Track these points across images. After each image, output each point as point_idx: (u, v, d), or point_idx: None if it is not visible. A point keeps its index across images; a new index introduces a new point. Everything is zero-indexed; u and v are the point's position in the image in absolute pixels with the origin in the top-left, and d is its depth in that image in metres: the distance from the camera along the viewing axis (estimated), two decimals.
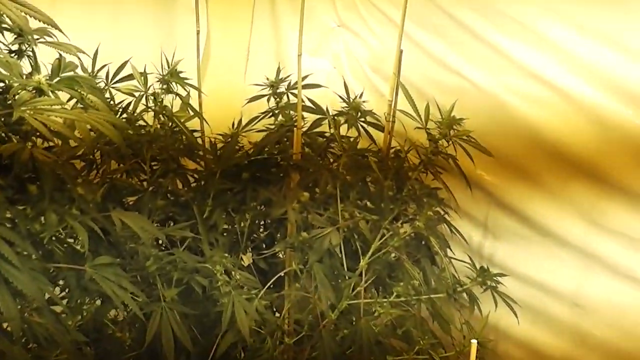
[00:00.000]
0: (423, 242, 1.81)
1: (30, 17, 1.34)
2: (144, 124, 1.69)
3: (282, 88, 1.90)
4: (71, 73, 1.41)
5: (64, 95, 1.38)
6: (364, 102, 1.89)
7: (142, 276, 1.48)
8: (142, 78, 1.66)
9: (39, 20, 1.36)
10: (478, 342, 1.52)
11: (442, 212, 1.85)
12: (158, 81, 1.67)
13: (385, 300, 1.59)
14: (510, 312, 1.82)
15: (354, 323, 1.60)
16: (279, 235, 1.75)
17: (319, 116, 1.87)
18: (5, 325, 1.28)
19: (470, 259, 1.72)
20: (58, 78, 1.38)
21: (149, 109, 1.66)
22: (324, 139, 1.86)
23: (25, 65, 1.43)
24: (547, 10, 1.86)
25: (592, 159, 1.90)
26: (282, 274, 1.60)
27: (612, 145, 1.87)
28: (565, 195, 1.96)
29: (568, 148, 1.90)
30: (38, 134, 1.29)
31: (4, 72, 1.31)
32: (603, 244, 1.94)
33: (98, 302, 1.50)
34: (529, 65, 1.92)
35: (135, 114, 1.67)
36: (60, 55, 1.43)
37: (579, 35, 1.85)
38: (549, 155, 1.95)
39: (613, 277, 1.94)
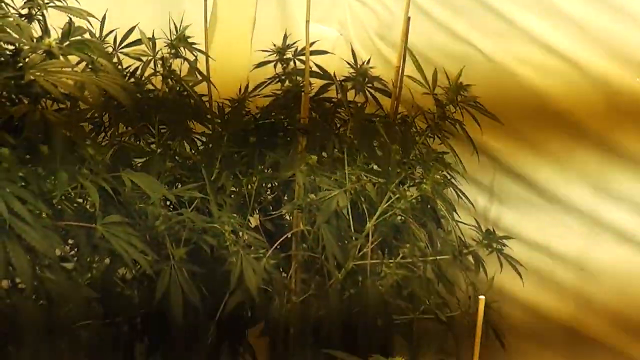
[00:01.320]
0: (429, 206, 1.83)
1: None
2: (152, 88, 1.71)
3: (289, 54, 1.91)
4: (80, 37, 1.43)
5: (73, 60, 1.40)
6: (371, 68, 1.90)
7: (151, 236, 1.50)
8: (150, 43, 1.68)
9: None
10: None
11: (449, 177, 1.87)
12: (166, 46, 1.69)
13: (391, 261, 1.61)
14: (515, 276, 1.83)
15: (360, 283, 1.62)
16: (285, 197, 1.77)
17: (326, 81, 1.88)
18: (17, 280, 1.30)
19: (477, 222, 1.74)
20: (68, 42, 1.40)
21: (157, 73, 1.68)
22: (332, 104, 1.88)
23: (36, 29, 1.45)
24: None
25: (599, 125, 1.91)
26: (289, 234, 1.62)
27: (619, 112, 1.89)
28: (571, 162, 1.98)
29: (575, 115, 1.91)
30: (48, 96, 1.31)
31: (15, 35, 1.33)
32: (609, 210, 1.96)
33: (107, 261, 1.53)
34: (536, 33, 1.92)
35: (143, 79, 1.69)
36: (70, 19, 1.45)
37: (586, 3, 1.86)
38: (556, 122, 1.96)
39: (619, 243, 1.96)
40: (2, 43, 1.32)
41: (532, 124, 2.01)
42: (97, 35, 1.67)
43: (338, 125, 1.87)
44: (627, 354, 1.97)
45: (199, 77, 1.72)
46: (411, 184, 1.77)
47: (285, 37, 1.90)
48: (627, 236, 1.94)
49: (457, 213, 1.88)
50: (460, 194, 1.89)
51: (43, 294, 1.32)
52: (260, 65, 1.92)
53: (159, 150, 1.63)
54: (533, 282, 1.95)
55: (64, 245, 1.39)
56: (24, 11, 1.46)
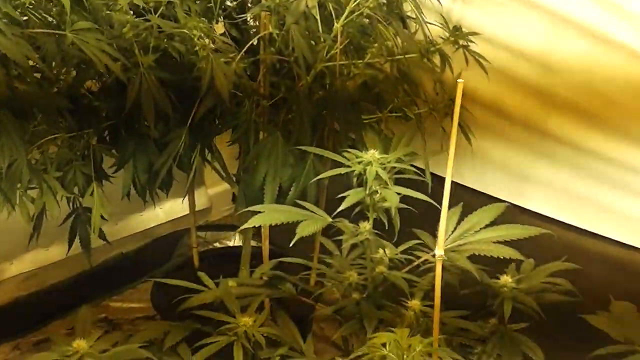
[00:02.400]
0: (396, 12, 1.81)
1: None
2: None
3: None
4: None
5: None
6: None
7: (119, 45, 1.48)
8: None
9: None
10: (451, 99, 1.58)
11: None
12: None
13: (360, 62, 1.62)
14: (479, 75, 1.85)
15: (329, 85, 1.64)
16: (250, 4, 1.74)
17: None
18: None
19: (444, 18, 1.74)
20: None
21: None
22: None
23: None
24: None
25: None
26: (256, 39, 1.61)
27: None
28: None
29: None
30: None
31: None
32: (572, 4, 1.97)
33: (74, 72, 1.52)
34: None
35: None
36: None
37: None
38: None
39: (583, 38, 1.99)
40: None
41: None
42: None
43: None
44: (585, 146, 2.04)
45: None
46: None
47: None
48: (591, 31, 1.97)
49: (423, 14, 1.88)
50: None
51: (16, 105, 1.33)
52: None
53: None
54: (497, 81, 1.98)
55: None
56: None
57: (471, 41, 1.66)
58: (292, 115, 1.64)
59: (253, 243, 1.82)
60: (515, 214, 1.49)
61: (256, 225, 1.33)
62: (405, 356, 1.14)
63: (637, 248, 2.03)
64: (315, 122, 1.64)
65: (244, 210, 1.50)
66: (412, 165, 1.41)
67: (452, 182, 1.22)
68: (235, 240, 2.32)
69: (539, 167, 2.12)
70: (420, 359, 1.15)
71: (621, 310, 1.44)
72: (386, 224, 1.34)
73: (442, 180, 1.25)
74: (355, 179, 1.32)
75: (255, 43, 1.63)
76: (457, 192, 1.30)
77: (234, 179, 1.78)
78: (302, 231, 1.29)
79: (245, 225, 1.32)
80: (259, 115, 1.65)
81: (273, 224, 1.31)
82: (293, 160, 1.63)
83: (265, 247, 1.81)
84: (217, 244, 2.35)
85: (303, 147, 1.50)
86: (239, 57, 1.55)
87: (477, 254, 1.39)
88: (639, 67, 1.92)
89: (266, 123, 1.66)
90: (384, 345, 1.15)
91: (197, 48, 1.48)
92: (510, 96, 2.08)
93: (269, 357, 1.37)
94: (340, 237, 1.38)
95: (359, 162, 1.31)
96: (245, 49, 1.58)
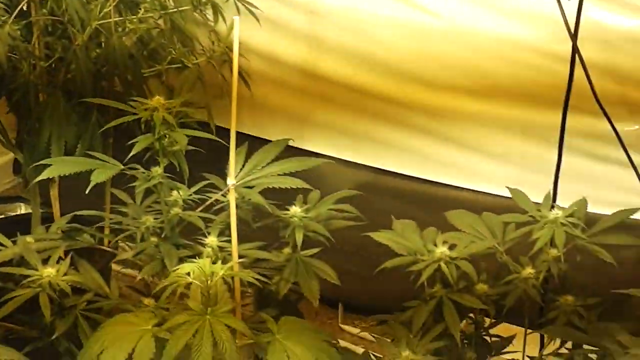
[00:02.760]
0: None
1: None
2: None
3: None
4: None
5: None
6: None
7: None
8: None
9: None
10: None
11: None
12: None
13: (134, 17, 1.66)
14: (251, 26, 1.93)
15: (105, 42, 1.66)
16: None
17: None
18: None
19: None
20: None
21: None
22: None
23: None
24: None
25: None
26: (26, 2, 1.60)
27: None
28: None
29: None
30: None
31: None
32: None
33: None
34: None
35: None
36: None
37: None
38: None
39: None
40: None
41: None
42: None
43: None
44: (354, 84, 2.17)
45: None
46: None
47: None
48: None
49: None
50: None
51: None
52: None
53: None
54: (268, 30, 2.07)
55: None
56: None
57: None
58: (71, 74, 1.65)
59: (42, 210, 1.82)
60: (297, 154, 1.58)
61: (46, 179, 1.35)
62: (208, 281, 1.21)
63: (415, 177, 2.19)
64: (96, 80, 1.67)
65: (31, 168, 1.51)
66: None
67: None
68: (22, 210, 2.27)
69: (316, 110, 2.24)
70: (221, 283, 1.23)
71: (402, 227, 1.58)
72: (177, 166, 1.40)
73: (222, 130, 1.32)
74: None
75: (25, 8, 1.63)
76: (239, 140, 1.38)
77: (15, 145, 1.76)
78: (96, 178, 1.33)
79: (37, 179, 1.34)
80: (37, 77, 1.65)
81: (64, 175, 1.34)
82: (77, 118, 1.65)
83: (56, 208, 1.81)
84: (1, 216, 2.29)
85: (87, 100, 1.52)
86: (10, 20, 1.54)
87: (268, 187, 1.47)
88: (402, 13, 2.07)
89: (45, 84, 1.66)
90: (188, 274, 1.22)
91: None
92: (283, 43, 2.18)
93: (75, 304, 1.40)
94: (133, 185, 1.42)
95: (145, 109, 1.35)
96: (16, 12, 1.57)
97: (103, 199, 1.76)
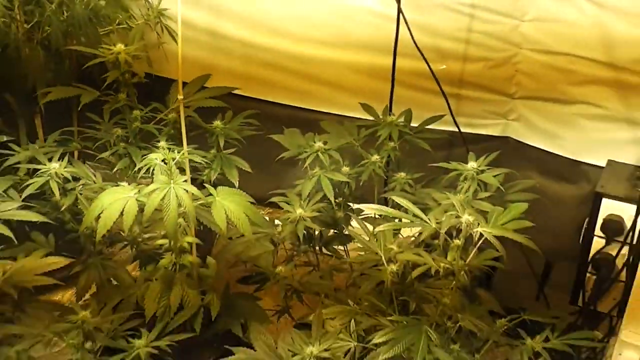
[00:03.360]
0: None
1: None
2: None
3: None
4: None
5: None
6: None
7: None
8: None
9: None
10: None
11: None
12: None
13: None
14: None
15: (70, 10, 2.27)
16: None
17: None
18: None
19: None
20: None
21: None
22: None
23: None
24: None
25: None
26: None
27: None
28: None
29: None
30: None
31: None
32: None
33: None
34: None
35: None
36: None
37: None
38: None
39: None
40: None
41: None
42: None
43: None
44: (248, 41, 2.81)
45: None
46: None
47: None
48: None
49: None
50: None
51: None
52: None
53: None
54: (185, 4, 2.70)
55: None
56: None
57: None
58: (46, 34, 2.26)
59: None
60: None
61: None
62: (170, 163, 1.88)
63: (290, 105, 2.81)
64: (65, 37, 2.27)
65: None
66: None
67: None
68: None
69: (220, 59, 2.82)
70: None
71: (290, 133, 2.29)
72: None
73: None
74: None
75: None
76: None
77: None
78: (84, 99, 2.04)
79: (45, 100, 1.99)
80: (21, 37, 2.24)
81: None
82: (53, 66, 2.27)
83: (40, 131, 2.36)
84: None
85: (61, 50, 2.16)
86: None
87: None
88: None
89: (27, 42, 2.26)
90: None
91: None
92: (196, 14, 2.72)
93: (74, 187, 2.04)
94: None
95: (111, 54, 2.01)
96: None
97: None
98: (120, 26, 2.35)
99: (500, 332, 1.90)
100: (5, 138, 2.26)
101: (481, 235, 1.74)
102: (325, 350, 1.77)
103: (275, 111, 2.79)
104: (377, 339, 1.75)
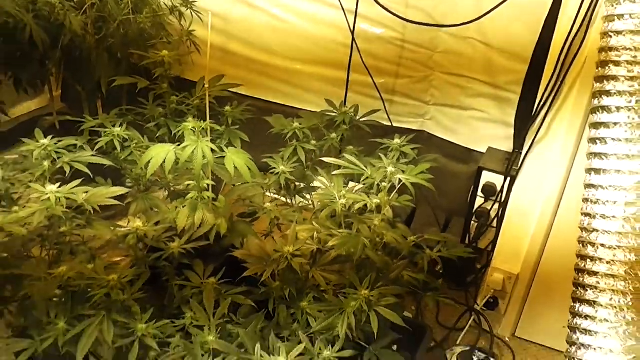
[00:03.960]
0: None
1: None
2: None
3: None
4: None
5: None
6: None
7: None
8: None
9: None
10: None
11: None
12: None
13: (141, 16, 3.27)
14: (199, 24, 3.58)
15: (127, 28, 3.25)
16: None
17: None
18: None
19: None
20: None
21: None
22: None
23: None
24: None
25: None
26: None
27: None
28: None
29: None
30: None
31: None
32: None
33: None
34: None
35: None
36: None
37: None
38: None
39: None
40: None
41: None
42: None
43: None
44: (249, 57, 3.87)
45: None
46: None
47: None
48: None
49: None
50: None
51: None
52: None
53: None
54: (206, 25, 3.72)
55: None
56: None
57: None
58: (110, 43, 3.25)
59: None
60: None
61: None
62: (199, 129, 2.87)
63: (276, 102, 3.92)
64: (123, 46, 3.26)
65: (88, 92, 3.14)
66: None
67: None
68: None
69: (230, 70, 3.85)
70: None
71: (276, 118, 3.32)
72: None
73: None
74: None
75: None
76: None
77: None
78: (140, 85, 2.98)
79: (112, 86, 2.96)
80: (92, 44, 3.23)
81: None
82: (114, 66, 3.27)
83: (100, 111, 3.34)
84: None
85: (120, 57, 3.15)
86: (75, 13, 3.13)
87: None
88: None
89: (95, 48, 3.25)
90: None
91: None
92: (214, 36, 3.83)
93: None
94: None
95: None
96: (83, 10, 3.16)
97: None
98: (161, 40, 3.35)
99: (410, 246, 2.90)
100: (69, 117, 3.14)
101: (400, 181, 2.76)
102: (297, 250, 2.75)
103: (266, 106, 3.82)
104: (331, 243, 2.72)
